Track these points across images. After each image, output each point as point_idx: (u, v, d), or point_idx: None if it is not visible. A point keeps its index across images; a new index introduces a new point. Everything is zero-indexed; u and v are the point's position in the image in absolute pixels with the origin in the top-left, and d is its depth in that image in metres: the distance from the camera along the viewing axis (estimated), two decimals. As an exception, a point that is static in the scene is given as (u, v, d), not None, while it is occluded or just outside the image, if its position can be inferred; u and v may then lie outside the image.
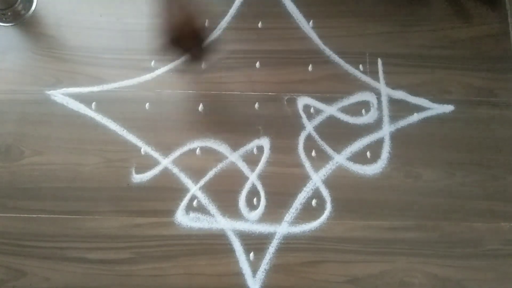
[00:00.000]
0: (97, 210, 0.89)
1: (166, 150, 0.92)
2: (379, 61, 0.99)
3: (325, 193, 0.90)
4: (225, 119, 0.95)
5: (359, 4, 1.03)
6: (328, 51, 0.99)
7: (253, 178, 0.91)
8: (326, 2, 1.03)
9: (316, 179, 0.91)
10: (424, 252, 0.87)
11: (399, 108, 0.96)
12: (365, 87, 0.97)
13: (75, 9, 1.03)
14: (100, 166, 0.91)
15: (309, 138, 0.93)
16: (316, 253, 0.87)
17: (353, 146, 0.93)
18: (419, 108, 0.96)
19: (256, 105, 0.96)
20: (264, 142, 0.93)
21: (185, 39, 0.78)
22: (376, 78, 0.98)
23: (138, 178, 0.91)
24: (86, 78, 0.97)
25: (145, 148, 0.93)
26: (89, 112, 0.95)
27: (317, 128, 0.94)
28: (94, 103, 0.96)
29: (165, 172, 0.91)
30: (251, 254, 0.86)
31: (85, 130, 0.94)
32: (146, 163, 0.92)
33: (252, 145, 0.93)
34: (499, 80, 0.98)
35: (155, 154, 0.92)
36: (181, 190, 0.90)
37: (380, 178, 0.91)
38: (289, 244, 0.87)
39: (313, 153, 0.92)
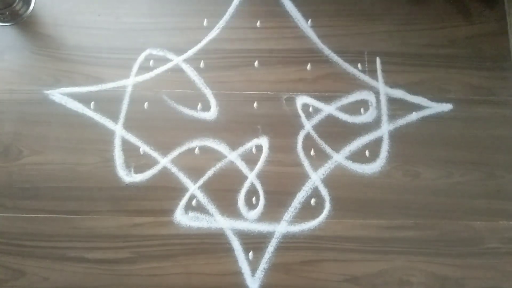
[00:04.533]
0: (96, 210, 0.89)
1: (165, 149, 0.92)
2: (378, 60, 0.98)
3: (324, 192, 0.90)
4: (224, 118, 0.95)
5: (358, 3, 1.03)
6: (326, 50, 0.99)
7: (252, 177, 0.91)
8: (325, 1, 1.03)
9: (315, 178, 0.91)
10: (423, 250, 0.87)
11: (397, 107, 0.96)
12: (363, 86, 0.97)
13: (74, 9, 1.02)
14: (99, 165, 0.91)
15: (308, 137, 0.93)
16: (315, 252, 0.87)
17: (352, 145, 0.93)
18: (417, 107, 0.96)
19: (255, 105, 0.96)
20: (263, 141, 0.93)
21: None
22: (375, 77, 0.98)
23: (137, 177, 0.91)
24: (85, 78, 0.97)
25: (143, 148, 0.93)
26: (87, 111, 0.95)
27: (316, 127, 0.94)
28: (92, 103, 0.95)
29: (164, 172, 0.91)
30: (250, 253, 0.86)
31: (83, 130, 0.94)
32: (145, 163, 0.92)
33: (251, 144, 0.93)
34: (498, 79, 0.98)
35: (154, 154, 0.92)
36: (180, 190, 0.90)
37: (379, 177, 0.91)
38: (288, 243, 0.87)
39: (312, 152, 0.92)
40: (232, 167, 0.92)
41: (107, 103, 0.95)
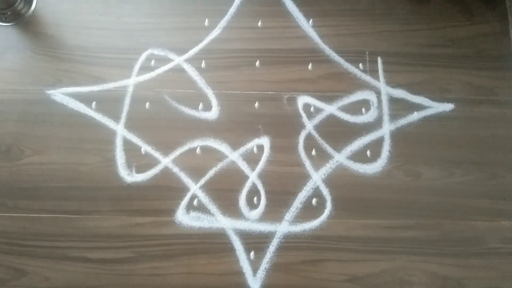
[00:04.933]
0: (98, 210, 0.89)
1: (166, 149, 0.93)
2: (379, 60, 0.98)
3: (325, 192, 0.90)
4: (225, 118, 0.95)
5: (359, 3, 1.03)
6: (328, 50, 0.99)
7: (253, 177, 0.91)
8: (326, 1, 1.03)
9: (316, 178, 0.91)
10: (424, 250, 0.87)
11: (399, 107, 0.96)
12: (365, 86, 0.97)
13: (75, 9, 1.03)
14: (100, 165, 0.91)
15: (309, 137, 0.93)
16: (316, 252, 0.87)
17: (353, 145, 0.93)
18: (419, 107, 0.96)
19: (256, 104, 0.96)
20: (264, 141, 0.93)
21: None
22: (376, 77, 0.98)
23: (138, 177, 0.91)
24: (86, 78, 0.97)
25: (145, 148, 0.93)
26: (89, 111, 0.95)
27: (317, 127, 0.94)
28: (94, 103, 0.96)
29: (166, 171, 0.91)
30: (252, 253, 0.86)
31: (85, 130, 0.94)
32: (147, 163, 0.92)
33: (252, 144, 0.93)
34: (499, 79, 0.98)
35: (155, 154, 0.92)
36: (182, 189, 0.90)
37: (380, 177, 0.91)
38: (290, 243, 0.87)
39: (313, 152, 0.92)
40: (233, 167, 0.92)
41: (109, 103, 0.96)
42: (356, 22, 1.02)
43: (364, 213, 0.89)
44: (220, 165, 0.92)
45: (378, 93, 0.97)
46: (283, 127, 0.94)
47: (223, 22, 1.01)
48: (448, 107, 0.96)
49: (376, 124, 0.94)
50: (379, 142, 0.93)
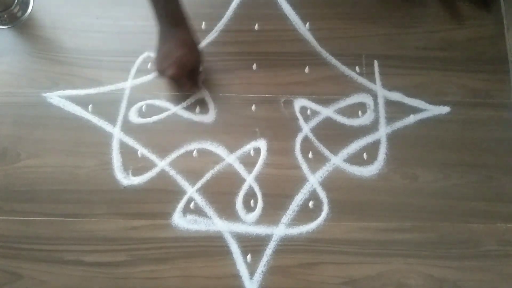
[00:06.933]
0: (94, 213, 0.89)
1: (163, 152, 0.92)
2: (376, 63, 0.99)
3: (322, 194, 0.90)
4: (222, 121, 0.95)
5: (356, 6, 1.04)
6: (324, 53, 0.99)
7: (250, 180, 0.91)
8: (323, 4, 1.04)
9: (313, 180, 0.91)
10: (421, 253, 0.87)
11: (395, 110, 0.96)
12: (361, 88, 0.97)
13: (72, 12, 1.03)
14: (97, 168, 0.91)
15: (306, 139, 0.93)
16: (313, 254, 0.87)
17: (349, 147, 0.93)
18: (415, 110, 0.96)
19: (253, 107, 0.96)
20: (261, 144, 0.93)
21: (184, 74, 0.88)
22: (373, 80, 0.98)
23: (135, 180, 0.91)
24: (83, 80, 0.97)
25: (141, 150, 0.93)
26: (85, 114, 0.95)
27: (314, 130, 0.94)
28: (90, 106, 0.95)
29: (162, 174, 0.91)
30: (249, 256, 0.86)
31: (81, 133, 0.94)
32: (143, 165, 0.92)
33: (249, 147, 0.93)
34: (495, 82, 0.98)
35: (152, 156, 0.92)
36: (178, 192, 0.90)
37: (377, 180, 0.91)
38: (286, 246, 0.87)
39: (310, 155, 0.92)
40: (230, 169, 0.92)
41: (105, 106, 0.95)
42: (353, 25, 1.02)
43: (361, 216, 0.89)
44: (217, 168, 0.92)
45: (374, 96, 0.97)
46: (280, 130, 0.94)
47: (220, 25, 1.01)
48: (444, 110, 0.96)
49: (373, 127, 0.95)
50: (375, 145, 0.94)
